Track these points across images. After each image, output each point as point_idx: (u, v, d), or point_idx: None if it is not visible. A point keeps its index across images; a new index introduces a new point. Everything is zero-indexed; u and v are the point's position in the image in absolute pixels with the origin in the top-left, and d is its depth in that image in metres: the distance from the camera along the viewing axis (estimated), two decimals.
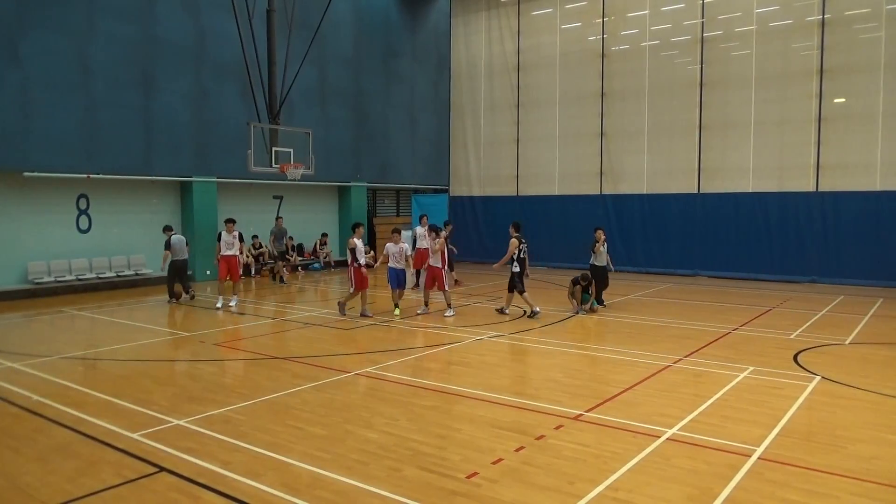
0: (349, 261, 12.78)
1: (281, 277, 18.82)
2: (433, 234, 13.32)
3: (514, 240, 12.70)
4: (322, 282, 19.36)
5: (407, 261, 13.11)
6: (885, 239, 16.89)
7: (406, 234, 26.22)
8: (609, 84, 21.04)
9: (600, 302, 13.48)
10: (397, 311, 12.86)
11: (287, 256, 20.13)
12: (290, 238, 21.04)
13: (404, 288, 13.40)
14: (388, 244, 13.07)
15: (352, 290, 12.88)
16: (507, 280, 12.94)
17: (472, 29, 24.39)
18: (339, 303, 13.16)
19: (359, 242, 12.73)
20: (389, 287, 13.28)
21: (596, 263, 13.37)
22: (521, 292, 12.71)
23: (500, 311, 13.03)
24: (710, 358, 9.26)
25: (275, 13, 17.52)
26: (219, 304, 14.02)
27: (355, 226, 13.13)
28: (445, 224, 17.03)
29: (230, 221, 14.51)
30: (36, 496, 4.96)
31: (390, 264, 12.97)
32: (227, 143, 19.24)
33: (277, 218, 19.28)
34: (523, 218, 22.80)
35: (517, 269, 12.64)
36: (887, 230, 16.87)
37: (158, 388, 7.90)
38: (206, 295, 16.35)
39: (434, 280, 13.17)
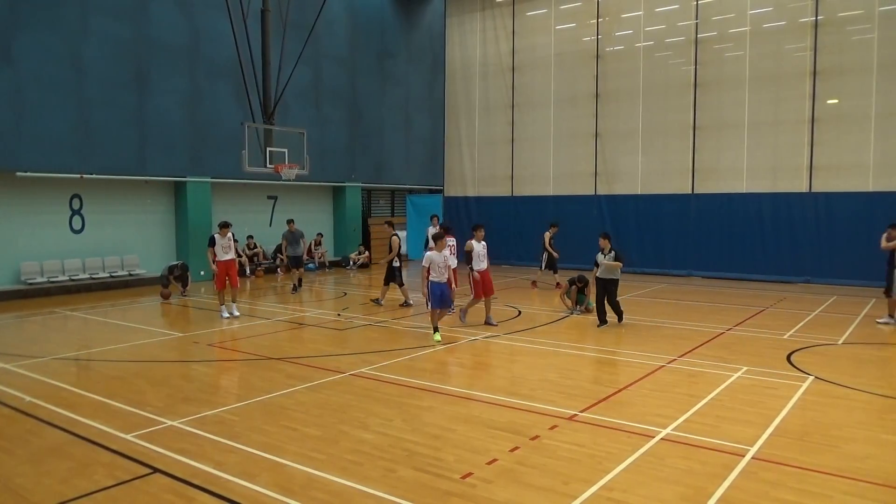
0: (470, 266, 11.83)
1: (295, 286, 16.88)
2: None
3: (395, 237, 14.07)
4: (317, 282, 19.31)
5: (449, 272, 10.64)
6: (877, 239, 16.80)
7: (402, 234, 26.43)
8: (603, 85, 21.08)
9: (618, 314, 11.77)
10: (438, 337, 10.42)
11: (304, 260, 17.99)
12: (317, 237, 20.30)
13: (450, 307, 10.96)
14: (429, 252, 10.66)
15: (472, 296, 11.68)
16: (389, 274, 14.06)
17: (466, 29, 24.39)
18: (461, 309, 12.00)
19: (477, 245, 11.79)
20: (429, 306, 10.83)
21: (598, 275, 11.81)
22: (401, 285, 14.05)
23: (376, 302, 14.05)
24: (704, 358, 9.29)
25: (269, 13, 17.49)
26: (225, 314, 12.89)
27: (475, 227, 11.98)
28: (552, 225, 16.75)
29: (225, 226, 13.08)
30: (29, 498, 4.93)
31: (432, 277, 10.49)
32: (222, 143, 19.20)
33: (289, 221, 17.59)
34: (518, 218, 22.96)
35: (397, 265, 13.95)
36: (880, 231, 16.73)
37: (152, 389, 7.87)
38: (201, 296, 16.31)
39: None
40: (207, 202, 19.65)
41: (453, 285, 10.81)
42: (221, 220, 13.83)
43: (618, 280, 11.74)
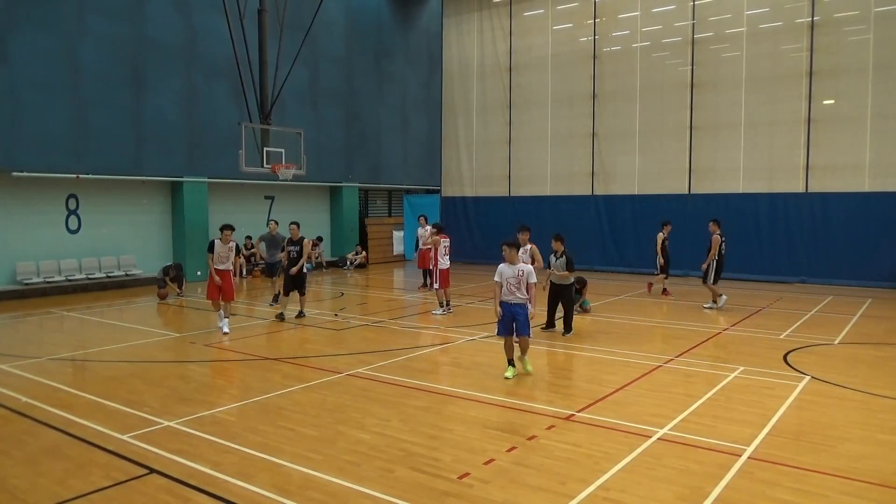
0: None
1: (276, 297, 14.27)
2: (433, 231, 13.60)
3: (307, 240, 13.20)
4: (314, 283, 19.27)
5: (528, 289, 8.23)
6: (873, 239, 17.03)
7: (397, 235, 26.43)
8: (601, 85, 21.11)
9: (566, 325, 11.00)
10: (510, 373, 8.21)
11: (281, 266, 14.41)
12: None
13: (527, 334, 8.21)
14: (501, 265, 8.30)
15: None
16: (294, 281, 12.68)
17: (464, 29, 24.40)
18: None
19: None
20: (497, 331, 8.42)
21: (550, 279, 11.17)
22: (302, 294, 12.93)
23: (301, 315, 12.84)
24: (700, 358, 9.30)
25: (266, 13, 17.46)
26: (225, 329, 11.39)
27: (524, 230, 11.14)
28: (664, 225, 15.63)
29: (227, 228, 11.58)
30: (25, 499, 4.92)
31: (503, 297, 8.21)
32: (219, 143, 19.18)
33: (269, 221, 15.65)
34: (515, 218, 22.94)
35: (307, 270, 13.64)
36: (876, 231, 17.01)
37: (148, 390, 7.85)
38: (198, 296, 16.28)
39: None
40: (204, 202, 19.62)
41: (532, 306, 8.28)
42: (224, 222, 12.05)
43: (571, 286, 11.19)
